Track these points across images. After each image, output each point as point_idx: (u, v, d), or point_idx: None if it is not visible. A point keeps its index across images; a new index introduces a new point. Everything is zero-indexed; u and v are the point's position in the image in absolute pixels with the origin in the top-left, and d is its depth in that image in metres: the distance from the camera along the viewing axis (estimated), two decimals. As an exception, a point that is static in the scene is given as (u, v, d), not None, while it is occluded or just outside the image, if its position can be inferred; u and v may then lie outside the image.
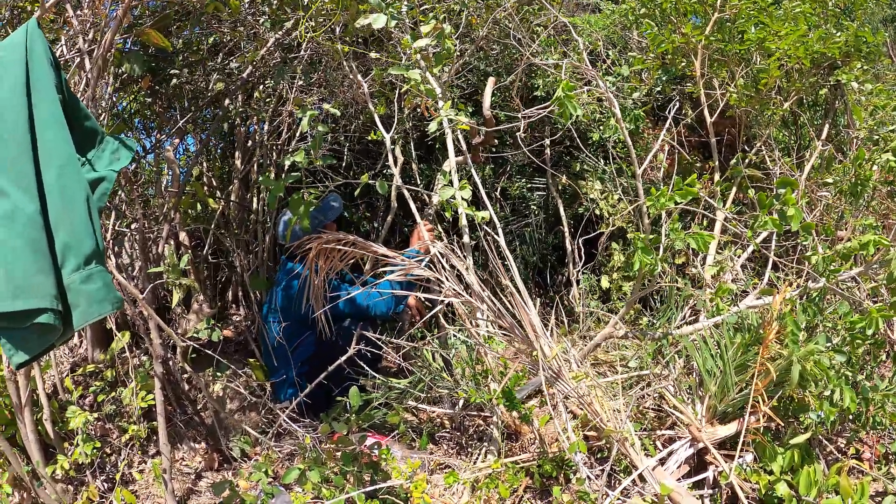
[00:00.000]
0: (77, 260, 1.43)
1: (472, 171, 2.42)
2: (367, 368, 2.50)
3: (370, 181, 2.41)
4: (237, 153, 3.30)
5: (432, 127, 2.35)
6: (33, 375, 2.36)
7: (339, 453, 2.26)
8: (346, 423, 2.27)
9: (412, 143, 3.14)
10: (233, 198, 3.21)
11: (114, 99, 3.00)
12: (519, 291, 2.19)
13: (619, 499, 1.89)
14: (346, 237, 2.35)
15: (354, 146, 3.52)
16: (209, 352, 2.60)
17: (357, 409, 2.31)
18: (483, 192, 2.43)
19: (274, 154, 3.30)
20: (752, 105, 3.17)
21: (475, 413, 2.55)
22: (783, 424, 1.99)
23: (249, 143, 3.33)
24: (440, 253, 2.21)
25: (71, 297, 1.42)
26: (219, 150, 3.60)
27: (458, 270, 2.24)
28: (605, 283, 3.35)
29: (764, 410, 1.87)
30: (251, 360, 2.97)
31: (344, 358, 2.38)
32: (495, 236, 2.32)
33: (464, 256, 2.32)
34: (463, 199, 2.26)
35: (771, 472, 1.88)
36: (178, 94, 3.11)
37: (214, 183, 3.39)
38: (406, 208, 3.58)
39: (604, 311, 3.17)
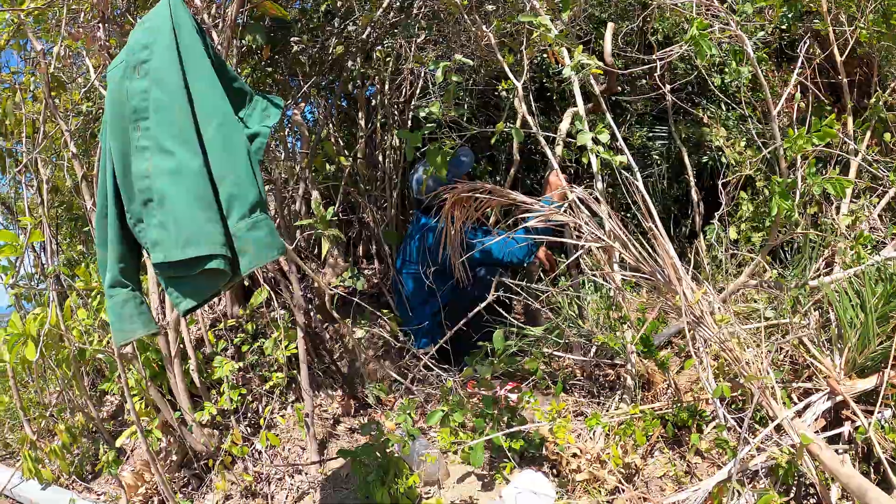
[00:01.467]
0: (242, 209, 1.51)
1: (607, 115, 2.38)
2: (505, 315, 2.54)
3: (505, 129, 2.42)
4: (360, 113, 3.38)
5: (566, 71, 2.32)
6: (180, 330, 2.54)
7: (477, 398, 2.33)
8: (488, 368, 2.33)
9: (531, 96, 3.11)
10: (359, 156, 3.30)
11: (238, 70, 3.12)
12: (660, 233, 2.16)
13: (756, 449, 1.85)
14: (482, 186, 2.37)
15: (474, 100, 3.53)
16: (351, 300, 2.71)
17: (500, 353, 2.35)
18: (619, 137, 2.39)
19: (396, 112, 3.36)
20: (884, 42, 2.94)
21: (607, 361, 2.55)
22: (924, 379, 1.88)
23: (372, 102, 3.40)
24: (578, 198, 2.20)
25: (238, 244, 1.50)
26: (342, 112, 3.69)
27: (595, 216, 2.22)
28: (733, 233, 3.23)
29: (906, 365, 1.77)
30: (385, 311, 3.08)
31: (483, 305, 2.43)
32: (634, 181, 2.29)
33: (600, 202, 2.30)
34: (601, 142, 2.24)
35: (910, 430, 1.79)
36: (298, 62, 3.19)
37: (341, 143, 3.48)
38: (528, 162, 3.58)
39: (734, 262, 3.07)
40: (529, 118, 2.53)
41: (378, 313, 2.91)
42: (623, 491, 1.99)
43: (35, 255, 3.80)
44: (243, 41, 2.92)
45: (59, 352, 2.90)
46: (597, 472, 2.02)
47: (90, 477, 3.09)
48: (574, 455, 2.09)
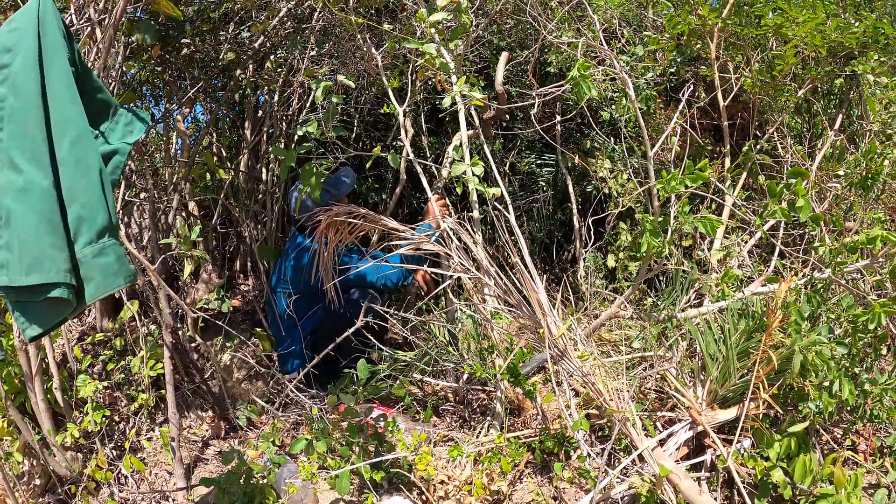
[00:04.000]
0: (90, 234, 1.44)
1: (484, 146, 2.42)
2: (373, 340, 2.53)
3: (382, 154, 2.41)
4: (247, 123, 3.29)
5: (446, 101, 2.35)
6: (43, 345, 2.39)
7: (344, 424, 2.31)
8: (353, 395, 2.31)
9: (423, 116, 3.13)
10: (242, 168, 3.21)
11: (124, 68, 2.98)
12: (527, 268, 2.21)
13: (618, 478, 1.93)
14: (356, 210, 2.36)
15: (365, 118, 3.51)
16: (218, 322, 2.63)
17: (364, 381, 2.34)
18: (493, 167, 2.44)
19: (284, 125, 3.29)
20: (766, 91, 3.15)
21: (479, 388, 2.59)
22: (782, 412, 2.03)
23: (259, 112, 3.32)
24: (450, 228, 2.23)
25: (84, 270, 1.44)
26: (228, 120, 3.58)
27: (467, 245, 2.26)
28: (611, 262, 3.37)
29: (763, 397, 1.90)
30: (258, 329, 3.01)
31: (352, 330, 2.42)
32: (505, 213, 2.33)
33: (473, 231, 2.33)
34: (474, 174, 2.27)
35: (767, 459, 1.92)
36: (189, 64, 3.09)
37: (224, 153, 3.38)
38: (415, 181, 3.58)
39: (609, 290, 3.20)
40: (409, 144, 2.54)
41: (247, 334, 2.83)
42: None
43: None
44: (132, 38, 2.78)
45: None
46: (464, 500, 2.05)
47: None
48: (442, 482, 2.11)
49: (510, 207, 2.37)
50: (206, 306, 2.66)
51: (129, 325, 2.90)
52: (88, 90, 1.59)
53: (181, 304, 2.27)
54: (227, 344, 2.89)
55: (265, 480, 2.11)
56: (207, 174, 3.17)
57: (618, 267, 3.37)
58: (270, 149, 3.15)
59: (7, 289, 1.41)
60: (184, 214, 3.03)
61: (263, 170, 3.25)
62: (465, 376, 2.56)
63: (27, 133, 1.42)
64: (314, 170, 2.43)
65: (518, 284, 2.23)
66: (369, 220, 2.33)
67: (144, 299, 2.80)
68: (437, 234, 2.27)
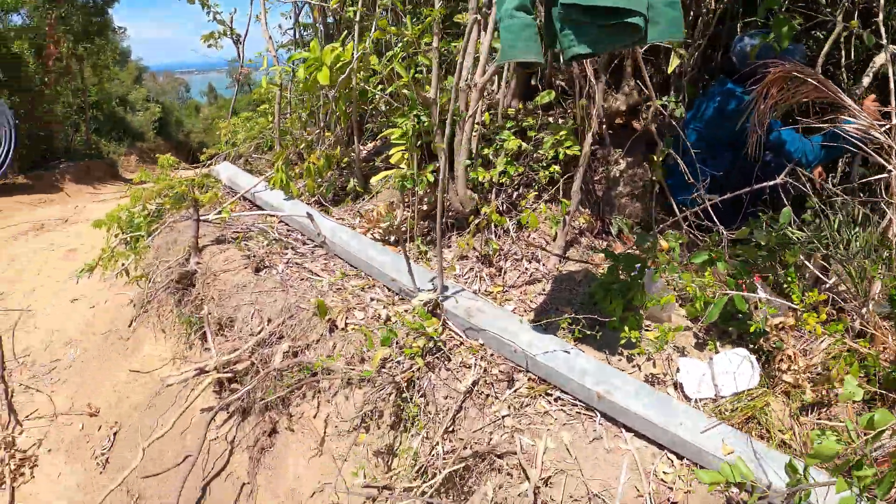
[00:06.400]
0: None
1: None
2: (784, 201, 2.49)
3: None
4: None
5: None
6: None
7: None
8: (766, 235, 2.35)
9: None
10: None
11: None
12: None
13: None
14: (813, 73, 2.20)
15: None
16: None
17: (782, 225, 2.36)
18: None
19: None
20: None
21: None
22: None
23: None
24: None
25: (652, 13, 1.59)
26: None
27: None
28: None
29: None
30: (652, 156, 3.10)
31: (769, 184, 2.39)
32: None
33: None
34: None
35: None
36: None
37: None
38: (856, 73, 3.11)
39: None
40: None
41: (645, 154, 2.93)
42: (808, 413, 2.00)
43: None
44: None
45: (345, 84, 3.21)
46: (801, 382, 2.04)
47: (330, 203, 3.66)
48: (789, 357, 2.11)
49: None
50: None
51: (535, 112, 3.18)
52: None
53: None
54: (628, 157, 3.05)
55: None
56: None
57: None
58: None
59: (572, 7, 1.58)
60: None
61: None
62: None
63: None
64: (787, 20, 2.28)
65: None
66: (822, 86, 2.15)
67: (558, 93, 2.96)
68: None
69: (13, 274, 4.56)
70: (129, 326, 3.73)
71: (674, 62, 2.66)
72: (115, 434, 3.03)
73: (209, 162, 4.83)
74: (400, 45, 3.10)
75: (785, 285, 2.40)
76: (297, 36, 4.56)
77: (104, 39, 10.78)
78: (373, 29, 3.12)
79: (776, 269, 2.52)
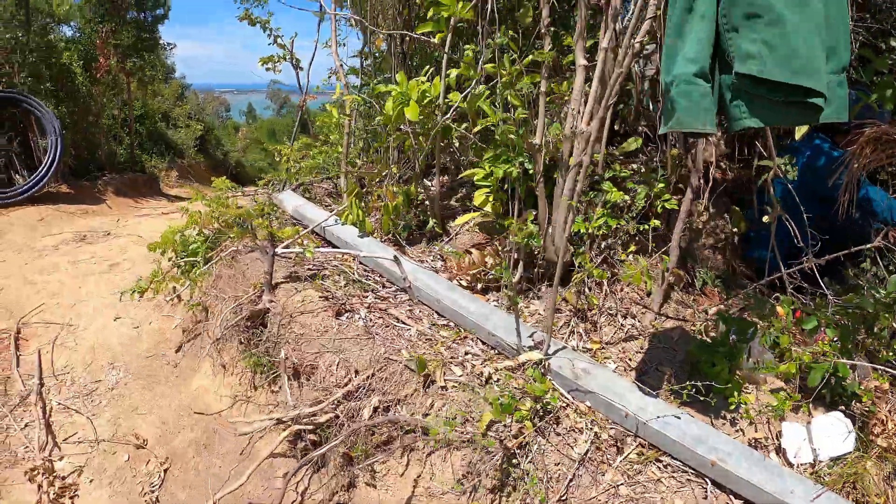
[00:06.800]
0: (835, 65, 1.56)
1: None
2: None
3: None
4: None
5: None
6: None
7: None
8: (872, 303, 2.27)
9: None
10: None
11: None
12: None
13: None
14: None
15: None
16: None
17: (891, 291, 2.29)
18: None
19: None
20: None
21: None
22: None
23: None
24: None
25: (827, 92, 1.53)
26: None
27: None
28: None
29: None
30: (735, 208, 2.99)
31: (868, 247, 2.40)
32: None
33: None
34: None
35: None
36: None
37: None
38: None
39: None
40: None
41: (723, 208, 2.84)
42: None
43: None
44: None
45: (429, 120, 3.15)
46: (894, 446, 2.00)
47: (405, 242, 3.50)
48: (882, 421, 2.08)
49: None
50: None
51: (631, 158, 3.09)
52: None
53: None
54: (707, 210, 2.95)
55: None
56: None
57: None
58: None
59: (748, 79, 1.52)
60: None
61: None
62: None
63: None
64: (892, 83, 2.25)
65: None
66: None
67: (646, 139, 2.91)
68: None
69: (55, 286, 4.46)
70: (177, 352, 3.60)
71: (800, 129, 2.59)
72: (165, 471, 2.87)
73: (264, 188, 4.75)
74: (498, 83, 2.96)
75: (872, 347, 2.37)
76: (361, 65, 4.51)
77: (153, 55, 10.89)
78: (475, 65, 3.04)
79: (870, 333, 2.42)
